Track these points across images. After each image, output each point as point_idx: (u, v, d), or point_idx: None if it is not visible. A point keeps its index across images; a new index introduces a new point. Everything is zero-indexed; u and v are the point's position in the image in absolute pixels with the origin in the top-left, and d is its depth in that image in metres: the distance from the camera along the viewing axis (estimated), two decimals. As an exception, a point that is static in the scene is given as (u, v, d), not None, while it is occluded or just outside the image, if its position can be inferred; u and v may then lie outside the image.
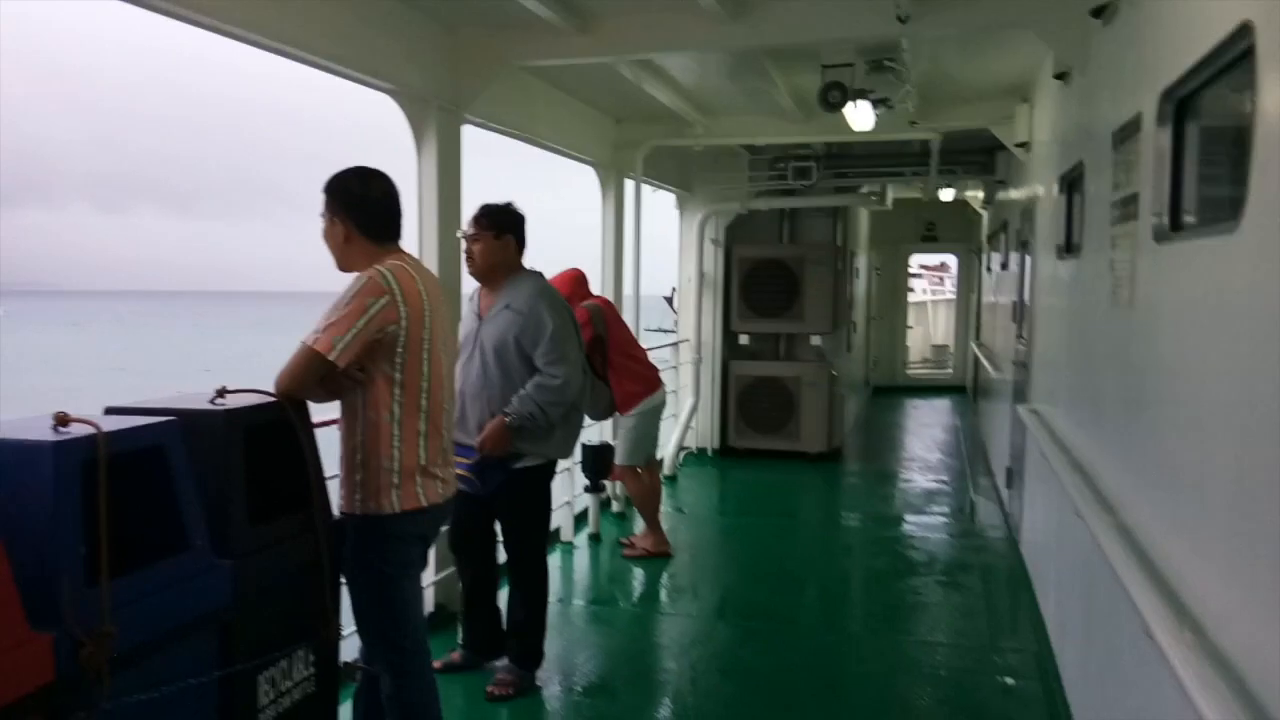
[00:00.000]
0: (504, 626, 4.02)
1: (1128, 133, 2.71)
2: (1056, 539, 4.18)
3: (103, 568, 1.95)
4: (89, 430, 2.02)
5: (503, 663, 3.98)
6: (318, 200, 2.79)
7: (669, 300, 9.21)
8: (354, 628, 2.86)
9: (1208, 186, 2.19)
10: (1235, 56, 1.83)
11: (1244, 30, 1.73)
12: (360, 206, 2.74)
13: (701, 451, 9.04)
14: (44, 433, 1.99)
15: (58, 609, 1.85)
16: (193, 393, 2.58)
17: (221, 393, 2.51)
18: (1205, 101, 2.18)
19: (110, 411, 2.31)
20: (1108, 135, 3.01)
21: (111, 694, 1.93)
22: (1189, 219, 2.23)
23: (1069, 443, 3.65)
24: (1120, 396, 2.83)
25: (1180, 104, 2.28)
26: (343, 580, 2.79)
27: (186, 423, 2.32)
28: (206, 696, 2.27)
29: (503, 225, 3.74)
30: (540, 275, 3.88)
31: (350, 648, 3.05)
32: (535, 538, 3.97)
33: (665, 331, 9.11)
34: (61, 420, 2.05)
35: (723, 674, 4.25)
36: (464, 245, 3.79)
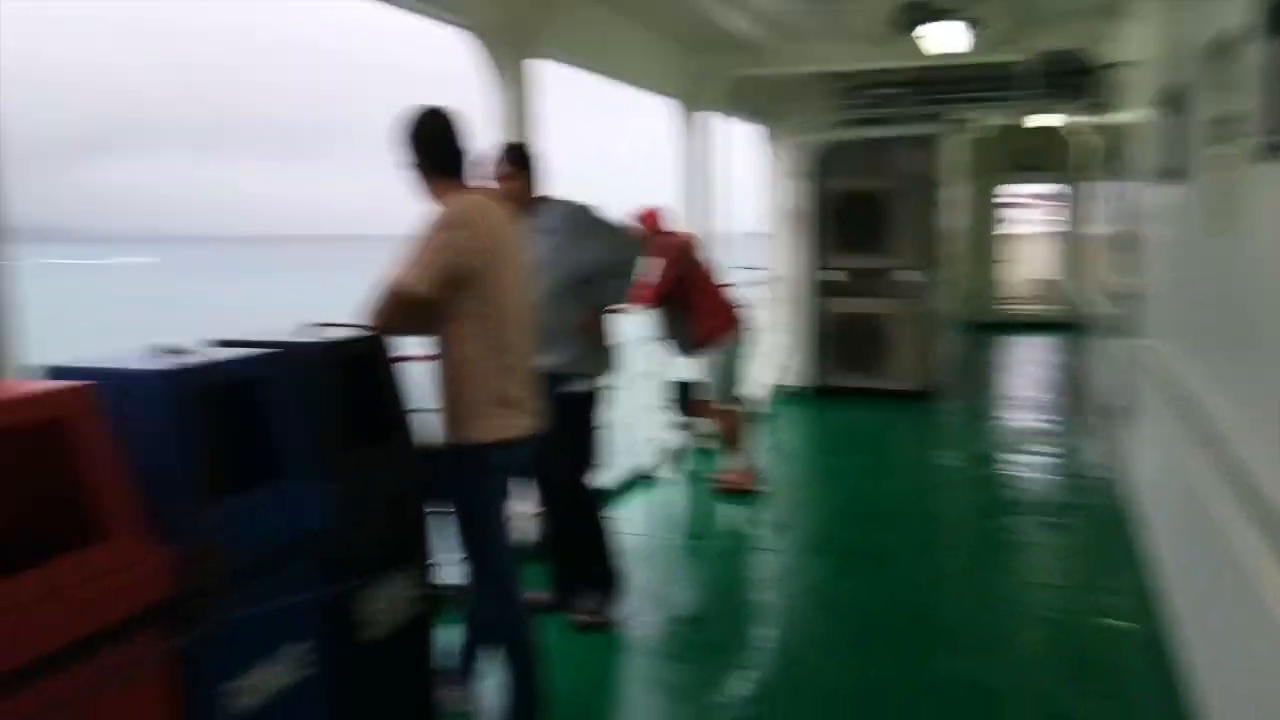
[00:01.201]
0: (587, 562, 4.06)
1: (1233, 45, 2.50)
2: (1166, 478, 4.02)
3: (215, 488, 2.05)
4: (201, 360, 2.11)
5: (588, 594, 4.04)
6: (394, 145, 2.82)
7: (762, 236, 9.08)
8: (452, 554, 2.94)
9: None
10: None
11: None
12: (426, 144, 2.78)
13: (793, 389, 8.95)
14: (161, 362, 2.09)
15: (177, 526, 1.96)
16: (296, 327, 2.67)
17: (320, 327, 2.60)
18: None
19: (223, 344, 2.41)
20: (1212, 50, 2.79)
21: (224, 608, 2.04)
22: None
23: (1180, 377, 3.48)
24: (1226, 328, 2.67)
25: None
26: (444, 507, 2.87)
27: (288, 354, 2.40)
28: (309, 615, 2.36)
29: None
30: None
31: (454, 573, 3.13)
32: (582, 464, 3.91)
33: (760, 269, 8.97)
34: (176, 351, 2.16)
35: (818, 607, 4.25)
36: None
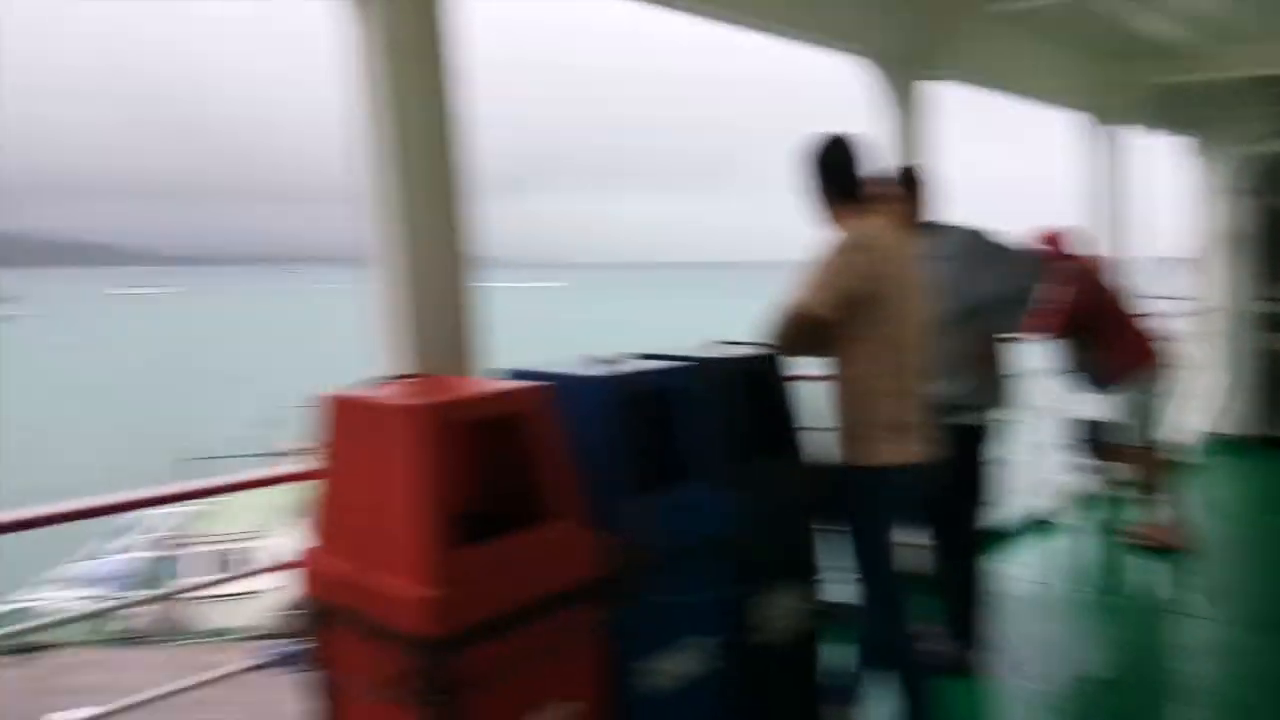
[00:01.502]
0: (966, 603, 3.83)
1: None
2: None
3: (640, 486, 2.27)
4: (631, 370, 2.38)
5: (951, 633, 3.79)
6: (788, 173, 2.91)
7: (1187, 261, 8.09)
8: (844, 572, 2.95)
9: None
10: None
11: None
12: (830, 169, 2.83)
13: (1229, 436, 7.78)
14: (599, 370, 2.39)
15: (607, 516, 2.20)
16: (701, 343, 2.88)
17: (722, 344, 2.81)
18: None
19: (641, 357, 2.67)
20: None
21: (642, 594, 2.24)
22: None
23: None
24: None
25: None
26: (836, 525, 2.91)
27: (700, 368, 2.60)
28: (710, 612, 2.51)
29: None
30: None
31: (844, 591, 3.14)
32: (970, 500, 3.68)
33: (1186, 298, 7.97)
34: (608, 361, 2.44)
35: (1260, 691, 3.64)
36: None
